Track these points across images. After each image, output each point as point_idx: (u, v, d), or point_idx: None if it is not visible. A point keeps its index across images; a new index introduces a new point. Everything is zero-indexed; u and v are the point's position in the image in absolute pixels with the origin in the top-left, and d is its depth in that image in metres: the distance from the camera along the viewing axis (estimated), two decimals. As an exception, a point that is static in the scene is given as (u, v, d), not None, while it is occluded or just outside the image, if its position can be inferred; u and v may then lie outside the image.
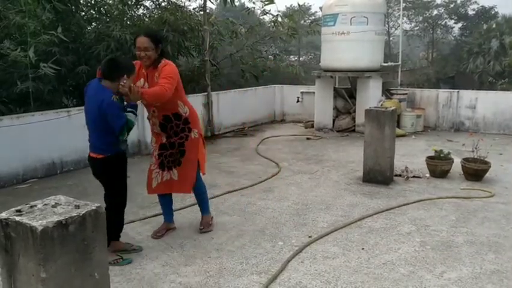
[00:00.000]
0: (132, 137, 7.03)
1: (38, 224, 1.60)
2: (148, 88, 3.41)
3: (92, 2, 8.70)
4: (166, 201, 3.93)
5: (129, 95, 3.11)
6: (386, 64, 9.19)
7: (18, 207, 1.75)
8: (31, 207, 1.77)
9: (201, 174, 3.87)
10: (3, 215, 1.70)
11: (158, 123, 3.64)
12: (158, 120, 3.62)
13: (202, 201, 4.02)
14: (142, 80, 3.53)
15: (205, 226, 3.94)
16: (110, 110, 3.17)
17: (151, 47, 3.37)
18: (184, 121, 3.64)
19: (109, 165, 3.38)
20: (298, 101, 10.31)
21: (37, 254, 1.60)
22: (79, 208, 1.74)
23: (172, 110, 3.58)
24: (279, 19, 10.29)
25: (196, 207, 4.55)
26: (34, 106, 6.41)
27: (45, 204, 1.79)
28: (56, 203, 1.80)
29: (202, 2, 8.66)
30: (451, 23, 33.38)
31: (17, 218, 1.66)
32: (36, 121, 5.61)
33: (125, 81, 3.17)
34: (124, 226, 4.06)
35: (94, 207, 1.76)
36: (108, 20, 8.62)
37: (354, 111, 8.94)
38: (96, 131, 3.31)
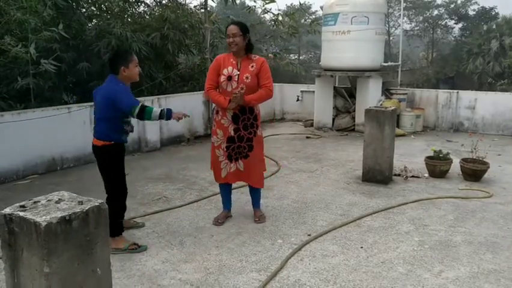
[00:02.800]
0: (132, 134, 7.02)
1: (42, 219, 1.61)
2: (240, 75, 3.80)
3: (93, -2, 8.70)
4: (226, 192, 4.21)
5: (235, 100, 3.68)
6: (386, 64, 9.20)
7: (22, 203, 1.76)
8: (35, 202, 1.78)
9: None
10: (7, 210, 1.71)
11: (232, 114, 3.84)
12: (233, 111, 3.83)
13: (259, 196, 4.25)
14: (230, 67, 3.83)
15: (261, 218, 4.16)
16: (117, 93, 3.39)
17: (238, 33, 3.78)
18: (254, 117, 3.92)
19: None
20: (298, 100, 10.33)
21: (41, 249, 1.62)
22: (82, 204, 1.76)
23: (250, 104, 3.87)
24: (280, 18, 10.30)
25: (196, 205, 4.60)
26: (34, 102, 6.42)
27: (48, 200, 1.80)
28: (59, 198, 1.81)
29: (203, 0, 8.68)
30: (451, 23, 33.43)
31: (21, 214, 1.67)
32: (37, 117, 5.62)
33: (236, 92, 3.69)
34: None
35: (97, 204, 1.77)
36: (109, 17, 8.63)
37: (354, 111, 8.96)
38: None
